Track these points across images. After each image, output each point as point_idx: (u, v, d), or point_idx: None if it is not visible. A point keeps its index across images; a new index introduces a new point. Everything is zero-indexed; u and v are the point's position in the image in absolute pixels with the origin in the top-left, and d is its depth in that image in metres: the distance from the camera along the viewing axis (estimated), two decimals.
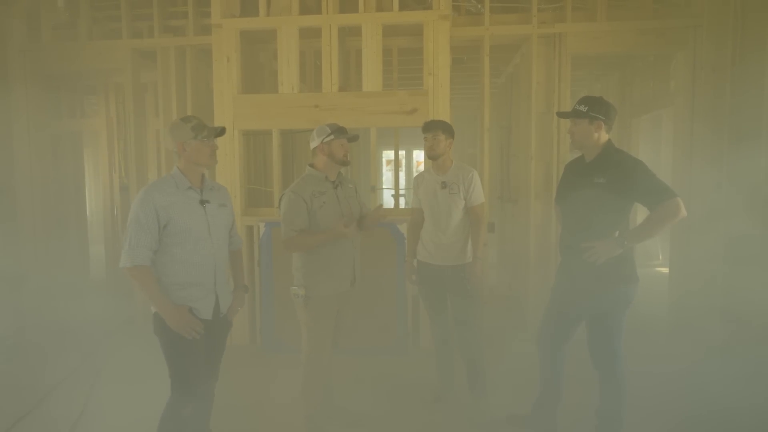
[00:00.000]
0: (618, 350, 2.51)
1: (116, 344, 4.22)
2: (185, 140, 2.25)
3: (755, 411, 3.00)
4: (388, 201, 9.29)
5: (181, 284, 2.25)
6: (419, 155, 11.47)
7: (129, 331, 4.53)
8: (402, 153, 10.79)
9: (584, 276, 2.48)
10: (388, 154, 11.83)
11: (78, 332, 4.45)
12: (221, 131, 2.35)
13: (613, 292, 2.47)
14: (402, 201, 4.68)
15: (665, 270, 5.67)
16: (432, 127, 3.01)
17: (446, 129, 3.02)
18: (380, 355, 3.89)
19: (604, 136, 2.49)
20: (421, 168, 13.23)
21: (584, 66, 5.55)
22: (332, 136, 2.69)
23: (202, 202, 2.31)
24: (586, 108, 2.46)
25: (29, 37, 4.74)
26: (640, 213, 4.65)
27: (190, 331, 2.21)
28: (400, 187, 4.53)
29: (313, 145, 2.74)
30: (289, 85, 4.01)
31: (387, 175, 11.89)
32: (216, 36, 4.04)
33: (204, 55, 4.59)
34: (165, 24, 4.68)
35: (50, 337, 4.40)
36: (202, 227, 2.29)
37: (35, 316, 4.69)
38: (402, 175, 10.54)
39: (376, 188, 4.14)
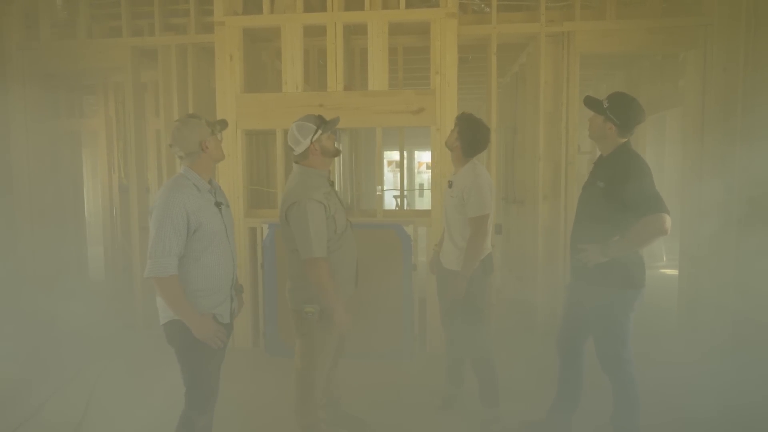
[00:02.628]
0: (625, 355, 2.45)
1: (117, 348, 4.15)
2: (205, 137, 2.18)
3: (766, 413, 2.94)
4: (389, 202, 9.23)
5: (207, 290, 2.19)
6: (421, 156, 11.43)
7: (129, 334, 4.46)
8: (404, 154, 10.73)
9: (585, 275, 2.45)
10: (389, 155, 11.78)
11: (78, 335, 4.37)
12: (226, 124, 2.33)
13: (615, 296, 2.41)
14: (405, 202, 4.60)
15: (669, 271, 5.62)
16: (457, 118, 2.87)
17: (462, 127, 2.81)
18: (387, 359, 3.82)
19: (617, 138, 2.43)
20: (423, 168, 13.19)
21: (591, 66, 5.49)
22: (320, 132, 2.43)
23: (218, 204, 2.25)
24: (607, 105, 2.40)
25: (28, 36, 4.66)
26: None
27: (217, 341, 2.15)
28: (404, 189, 4.47)
29: (300, 148, 2.44)
30: (293, 84, 3.94)
31: (388, 176, 11.85)
32: (218, 34, 3.97)
33: (206, 54, 4.52)
34: (166, 22, 4.60)
35: (50, 341, 4.32)
36: (221, 229, 2.24)
37: (35, 318, 4.61)
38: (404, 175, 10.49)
39: (382, 189, 4.06)
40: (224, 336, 2.19)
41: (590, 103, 2.49)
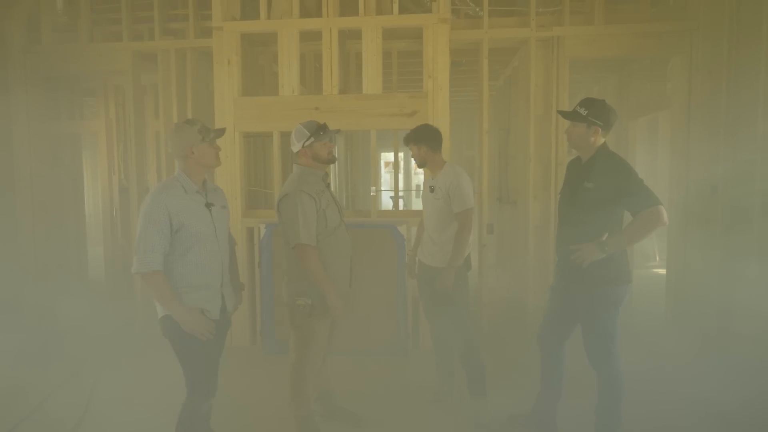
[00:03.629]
0: (612, 349, 2.54)
1: (117, 346, 4.23)
2: (193, 143, 2.27)
3: (751, 409, 3.03)
4: (386, 203, 9.33)
5: (193, 286, 2.28)
6: None
7: (129, 332, 4.54)
8: (401, 155, 10.81)
9: (575, 276, 2.53)
10: (387, 156, 11.87)
11: (78, 334, 4.45)
12: (223, 132, 2.40)
13: (603, 293, 2.50)
14: (401, 203, 4.70)
15: (662, 271, 5.70)
16: (406, 140, 3.05)
17: (416, 138, 3.01)
18: (380, 356, 3.91)
19: (599, 140, 2.53)
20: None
21: (582, 69, 5.59)
22: (312, 139, 2.60)
23: (208, 205, 2.34)
24: (586, 112, 2.49)
25: (30, 39, 4.75)
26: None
27: (204, 333, 2.25)
28: (398, 189, 4.56)
29: (294, 149, 2.66)
30: (290, 87, 4.03)
31: (385, 177, 11.94)
32: (217, 39, 4.06)
33: (204, 58, 4.61)
34: (165, 27, 4.70)
35: (51, 339, 4.40)
36: (210, 230, 2.33)
37: (36, 317, 4.69)
38: (401, 177, 10.59)
39: (376, 190, 4.16)
40: (212, 329, 2.27)
41: (567, 114, 2.57)
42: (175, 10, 4.81)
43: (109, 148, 5.77)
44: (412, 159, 3.09)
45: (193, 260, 2.26)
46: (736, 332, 3.65)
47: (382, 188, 10.53)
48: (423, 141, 3.00)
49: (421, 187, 3.36)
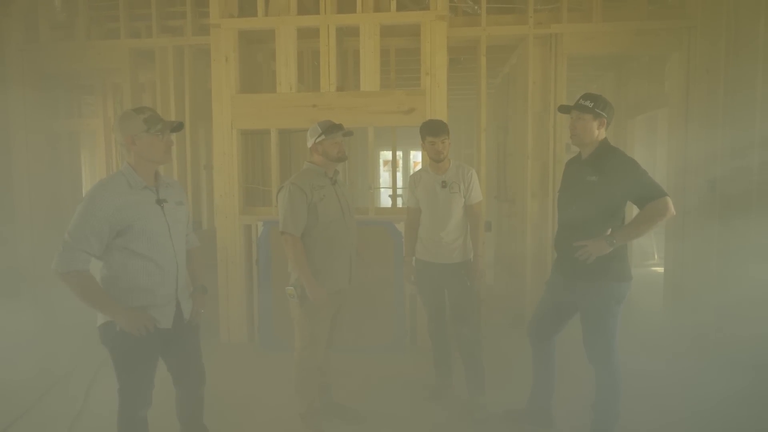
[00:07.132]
0: (612, 345, 2.54)
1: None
2: (136, 133, 2.05)
3: (748, 408, 3.04)
4: (385, 201, 9.34)
5: (143, 292, 2.10)
6: (416, 156, 11.52)
7: None
8: (399, 153, 10.82)
9: (577, 272, 2.53)
10: (386, 155, 11.87)
11: (76, 331, 4.44)
12: (178, 126, 2.17)
13: (606, 289, 2.50)
14: (399, 201, 4.70)
15: (661, 269, 5.71)
16: (441, 131, 3.00)
17: (449, 131, 3.06)
18: (378, 353, 3.91)
19: (602, 134, 2.53)
20: (419, 168, 13.18)
21: (580, 67, 5.59)
22: (323, 136, 2.68)
23: (160, 202, 2.14)
24: (592, 104, 2.48)
25: (27, 37, 4.74)
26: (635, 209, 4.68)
27: (142, 329, 2.06)
28: (397, 187, 4.57)
29: (308, 144, 2.78)
30: (288, 84, 4.03)
31: (384, 176, 11.95)
32: (214, 36, 4.06)
33: (202, 55, 4.61)
34: (163, 24, 4.69)
35: (48, 336, 4.40)
36: (162, 229, 2.13)
37: (33, 314, 4.69)
38: (399, 175, 10.60)
39: (372, 187, 4.16)
40: (151, 325, 2.08)
41: (574, 107, 2.53)
42: (173, 8, 4.81)
43: (108, 146, 5.76)
44: (436, 151, 3.01)
45: (143, 264, 2.07)
46: (733, 330, 3.66)
47: (381, 186, 10.55)
48: (449, 134, 3.08)
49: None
